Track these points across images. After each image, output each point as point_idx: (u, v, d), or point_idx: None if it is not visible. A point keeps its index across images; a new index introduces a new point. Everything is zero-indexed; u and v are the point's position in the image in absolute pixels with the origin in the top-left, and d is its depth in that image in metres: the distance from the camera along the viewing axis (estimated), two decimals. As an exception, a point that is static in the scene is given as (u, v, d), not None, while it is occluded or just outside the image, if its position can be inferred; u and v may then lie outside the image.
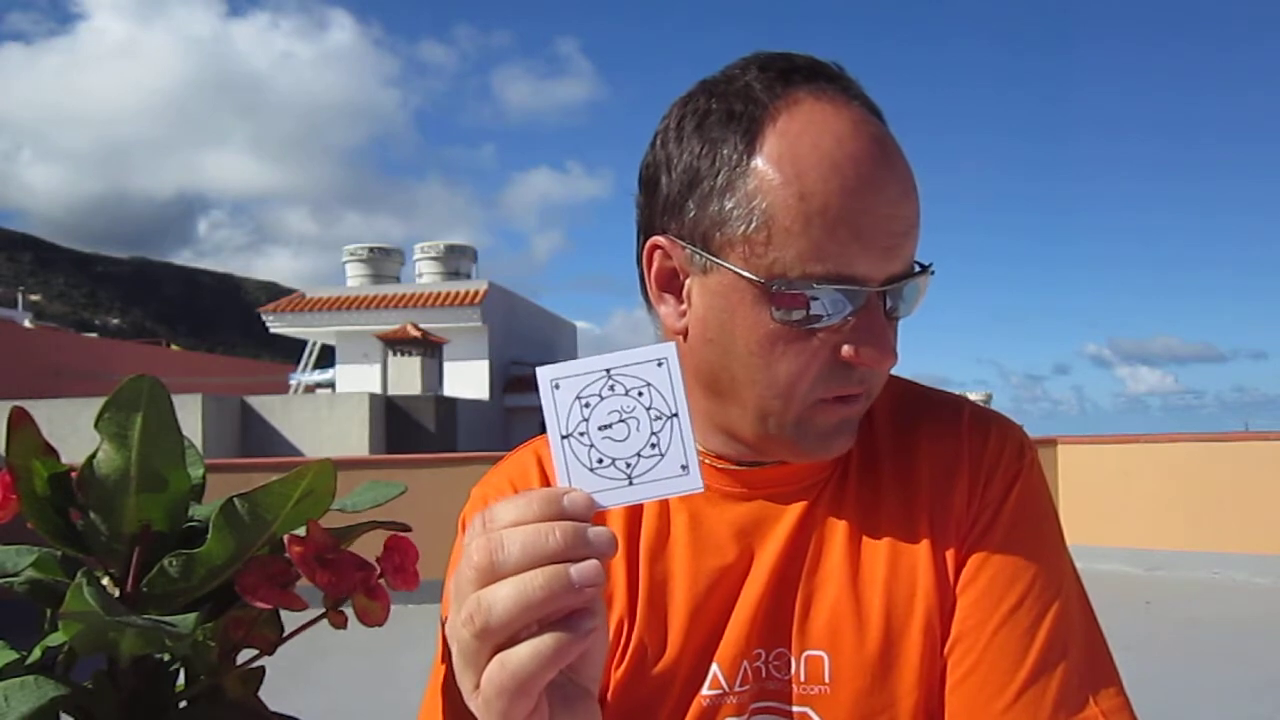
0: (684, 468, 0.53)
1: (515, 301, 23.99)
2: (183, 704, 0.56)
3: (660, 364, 0.54)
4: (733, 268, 0.71)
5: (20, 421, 0.54)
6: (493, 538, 0.50)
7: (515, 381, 21.76)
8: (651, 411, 0.53)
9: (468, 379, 21.06)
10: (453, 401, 17.87)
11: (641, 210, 0.79)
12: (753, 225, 0.70)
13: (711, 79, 0.76)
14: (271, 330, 23.15)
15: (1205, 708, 4.97)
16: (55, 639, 0.52)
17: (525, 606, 0.48)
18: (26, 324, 27.93)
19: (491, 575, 0.50)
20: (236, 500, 0.53)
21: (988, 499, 0.78)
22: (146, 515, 0.55)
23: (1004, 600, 0.74)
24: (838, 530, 0.79)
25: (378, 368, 19.42)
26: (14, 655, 0.53)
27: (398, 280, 25.06)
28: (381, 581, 0.56)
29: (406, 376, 17.91)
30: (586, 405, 0.54)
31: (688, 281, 0.75)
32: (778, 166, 0.69)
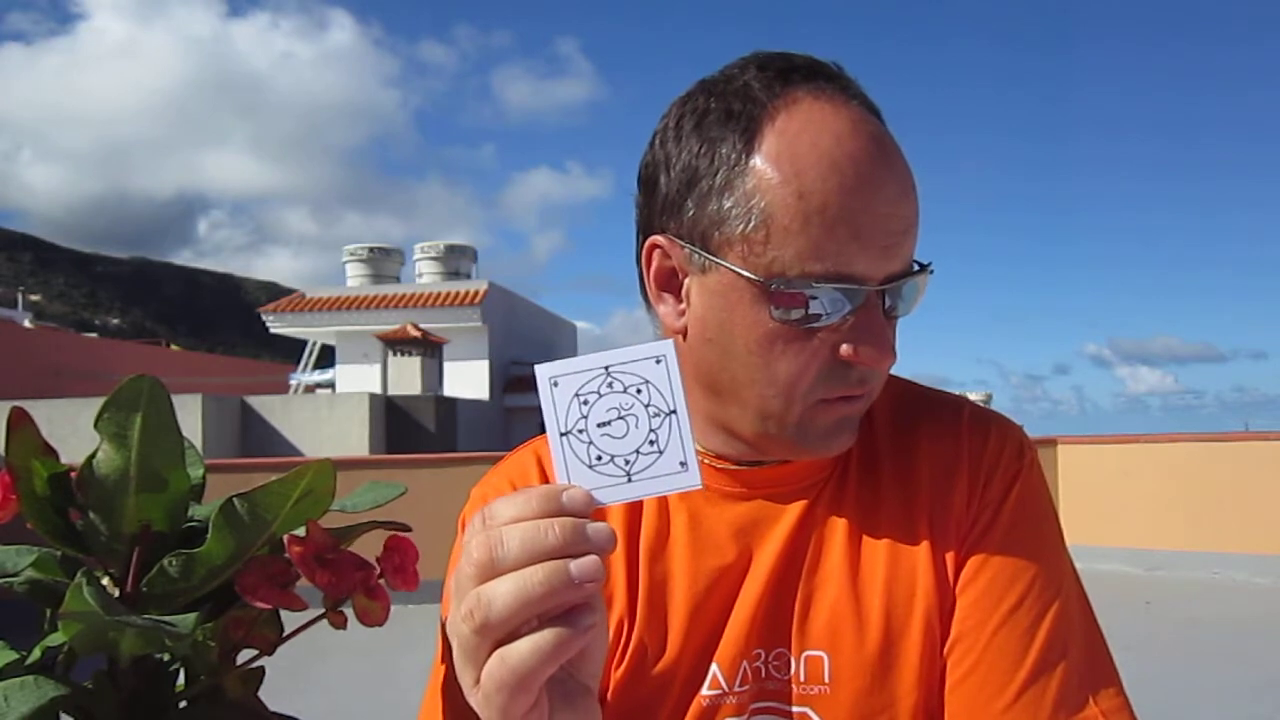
0: (683, 464, 0.53)
1: (515, 301, 24.00)
2: (183, 704, 0.56)
3: (659, 361, 0.54)
4: (732, 267, 0.71)
5: (20, 421, 0.54)
6: (492, 534, 0.50)
7: (515, 381, 21.77)
8: (650, 409, 0.53)
9: (468, 379, 21.07)
10: (453, 401, 17.87)
11: (640, 210, 0.79)
12: (751, 224, 0.70)
13: (710, 78, 0.76)
14: (271, 330, 23.15)
15: (1205, 708, 4.97)
16: (55, 639, 0.52)
17: (525, 602, 0.49)
18: (26, 324, 27.93)
19: (491, 571, 0.50)
20: (236, 500, 0.53)
21: (987, 499, 0.78)
22: (146, 515, 0.55)
23: (1004, 600, 0.74)
24: (837, 530, 0.79)
25: (378, 368, 19.42)
26: (14, 655, 0.53)
27: (398, 280, 25.06)
28: (381, 581, 0.56)
29: (406, 376, 17.92)
30: (585, 403, 0.54)
31: (687, 281, 0.75)
32: (776, 165, 0.69)
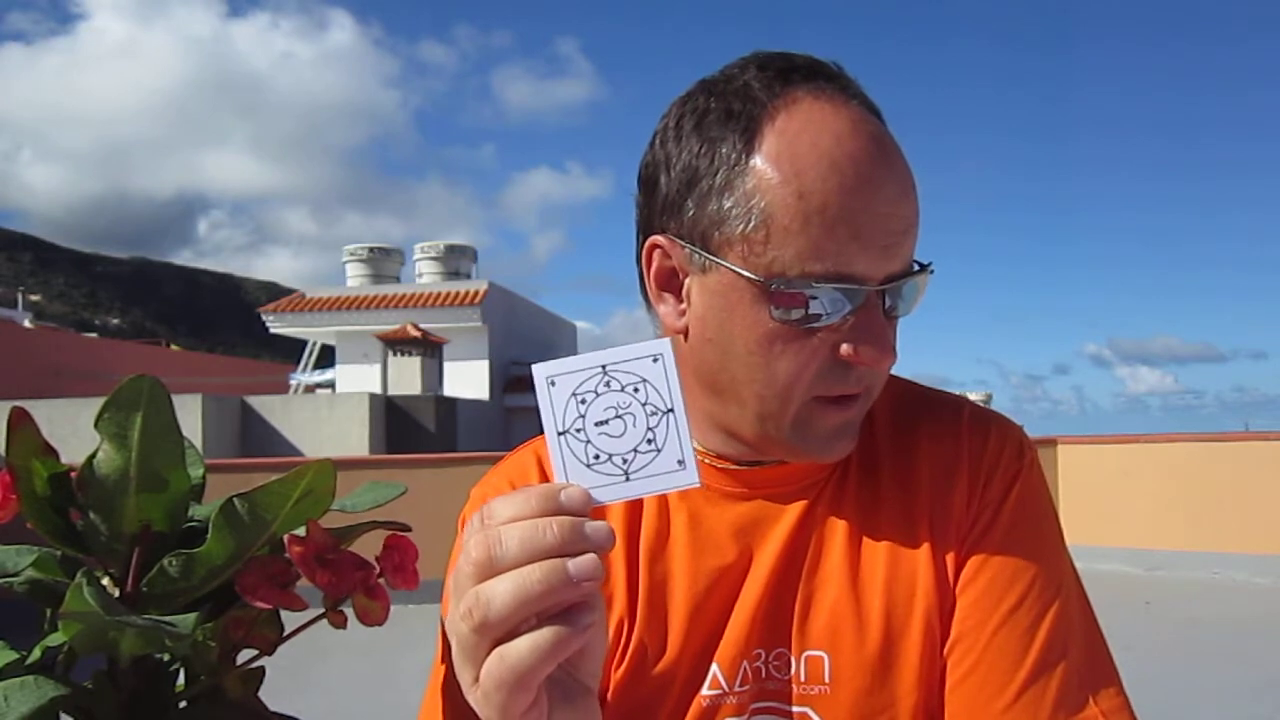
0: (680, 463, 0.53)
1: (515, 301, 23.99)
2: (183, 704, 0.56)
3: (656, 360, 0.54)
4: (732, 267, 0.71)
5: (20, 421, 0.54)
6: (491, 533, 0.51)
7: (515, 381, 21.76)
8: (648, 407, 0.53)
9: (468, 379, 21.06)
10: (453, 401, 17.87)
11: (641, 210, 0.79)
12: (751, 224, 0.70)
13: (710, 78, 0.76)
14: (271, 330, 23.14)
15: (1205, 708, 4.97)
16: (55, 639, 0.52)
17: (523, 601, 0.49)
18: (26, 324, 27.93)
19: (490, 570, 0.50)
20: (236, 500, 0.53)
21: (987, 499, 0.78)
22: (146, 515, 0.55)
23: (1004, 600, 0.74)
24: (837, 530, 0.79)
25: (378, 368, 19.42)
26: (14, 655, 0.53)
27: (398, 280, 25.05)
28: (381, 581, 0.56)
29: (406, 376, 17.91)
30: (583, 401, 0.54)
31: (687, 281, 0.75)
32: (776, 165, 0.69)
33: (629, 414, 0.53)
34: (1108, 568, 8.70)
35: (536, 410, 0.56)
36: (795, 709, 0.76)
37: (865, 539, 0.78)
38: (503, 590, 0.49)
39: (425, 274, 25.45)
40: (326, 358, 24.36)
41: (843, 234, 0.68)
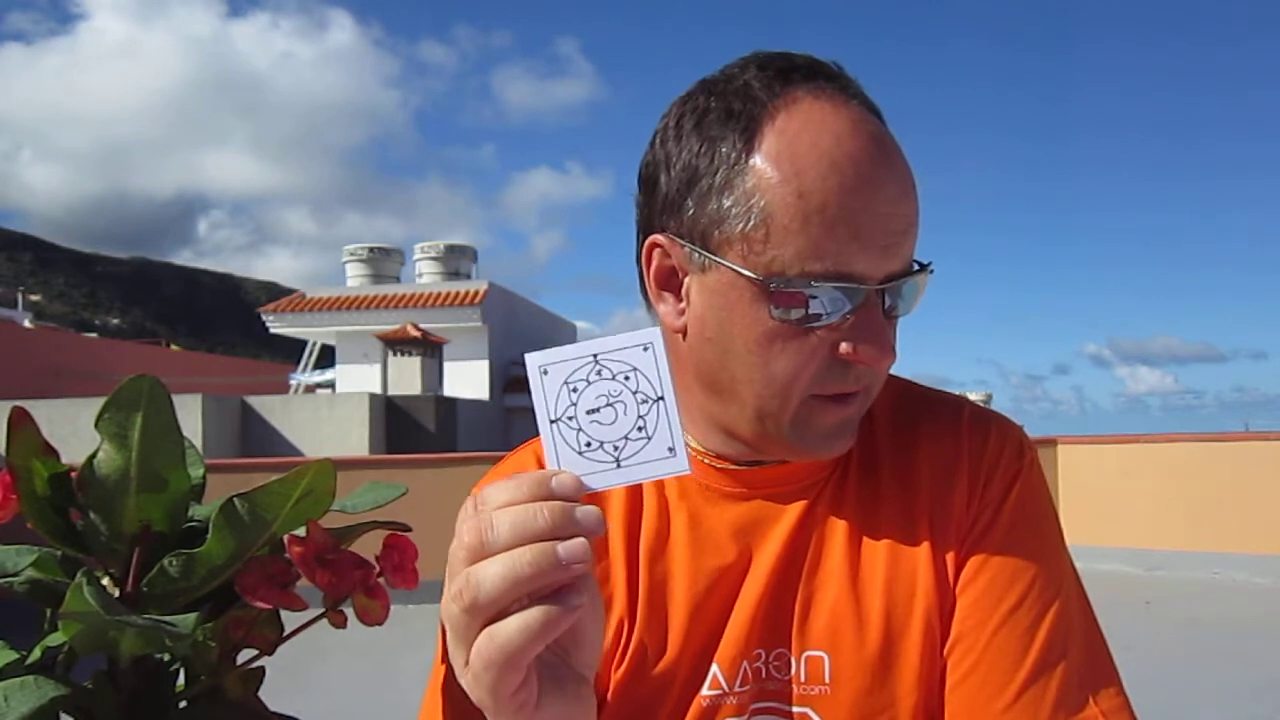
0: (671, 450, 0.54)
1: (515, 301, 23.99)
2: (183, 704, 0.56)
3: (646, 349, 0.54)
4: (731, 266, 0.71)
5: (20, 421, 0.54)
6: (483, 518, 0.51)
7: (515, 381, 21.75)
8: (638, 395, 0.54)
9: (468, 379, 21.06)
10: (453, 401, 17.87)
11: (641, 209, 0.79)
12: (751, 223, 0.70)
13: (710, 78, 0.76)
14: (271, 330, 23.14)
15: (1205, 708, 4.97)
16: (55, 639, 0.52)
17: (513, 581, 0.49)
18: (26, 324, 27.93)
19: (481, 553, 0.51)
20: (236, 500, 0.53)
21: (987, 499, 0.78)
22: (146, 515, 0.55)
23: (1004, 600, 0.74)
24: (837, 530, 0.79)
25: (378, 368, 19.41)
26: (14, 655, 0.53)
27: (398, 280, 25.04)
28: (381, 581, 0.56)
29: (406, 376, 17.91)
30: (574, 390, 0.55)
31: (686, 280, 0.75)
32: (776, 164, 0.69)
33: (620, 402, 0.54)
34: (1108, 568, 8.70)
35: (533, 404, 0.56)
36: (795, 709, 0.76)
37: (865, 539, 0.78)
38: (493, 572, 0.50)
39: (425, 274, 25.44)
40: (326, 358, 24.36)
41: (843, 233, 0.68)
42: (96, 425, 0.53)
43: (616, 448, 0.54)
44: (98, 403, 0.54)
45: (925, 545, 0.77)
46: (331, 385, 22.99)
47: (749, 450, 0.79)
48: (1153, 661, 5.54)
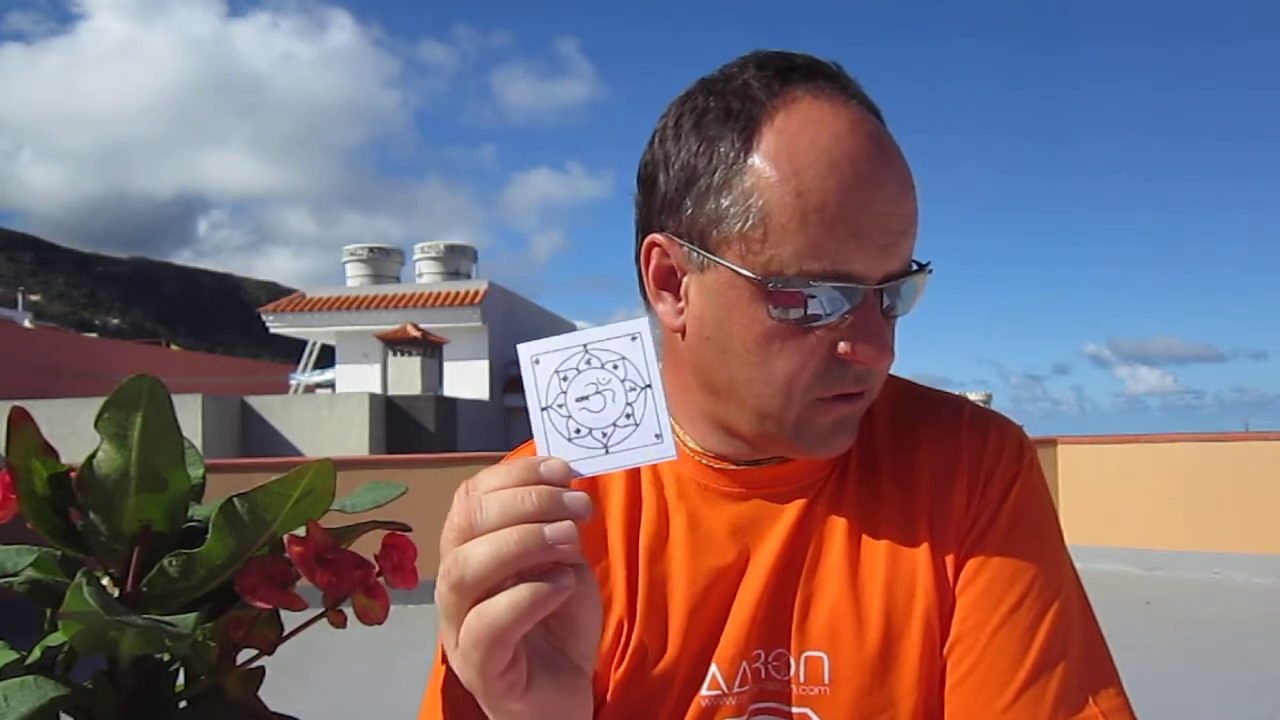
0: (658, 436, 0.55)
1: (515, 301, 23.99)
2: (183, 704, 0.56)
3: (634, 338, 0.56)
4: (730, 265, 0.71)
5: (20, 421, 0.54)
6: (473, 500, 0.52)
7: (515, 381, 21.73)
8: (626, 383, 0.55)
9: (468, 379, 21.06)
10: (453, 401, 17.87)
11: (640, 208, 0.79)
12: (749, 223, 0.69)
13: (710, 77, 0.76)
14: (271, 330, 23.13)
15: (1205, 708, 4.97)
16: (55, 639, 0.52)
17: (500, 560, 0.50)
18: (26, 324, 27.93)
19: (470, 534, 0.52)
20: (236, 500, 0.53)
21: (987, 499, 0.78)
22: (146, 515, 0.55)
23: (1003, 600, 0.74)
24: (837, 530, 0.79)
25: (378, 368, 19.41)
26: (14, 655, 0.53)
27: (398, 280, 25.04)
28: (380, 580, 0.56)
29: (406, 376, 17.90)
30: (564, 379, 0.56)
31: (685, 279, 0.75)
32: (775, 164, 0.69)
33: (608, 390, 0.55)
34: (1108, 568, 8.70)
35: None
36: (795, 709, 0.76)
37: (865, 539, 0.78)
38: (480, 551, 0.51)
39: (425, 274, 25.44)
40: (326, 358, 24.35)
41: (841, 233, 0.68)
42: (96, 425, 0.53)
43: (605, 434, 0.55)
44: (98, 403, 0.54)
45: (925, 545, 0.77)
46: (331, 385, 22.99)
47: (749, 449, 0.79)
48: (1153, 661, 5.54)
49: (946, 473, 0.79)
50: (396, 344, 18.27)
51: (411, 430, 16.34)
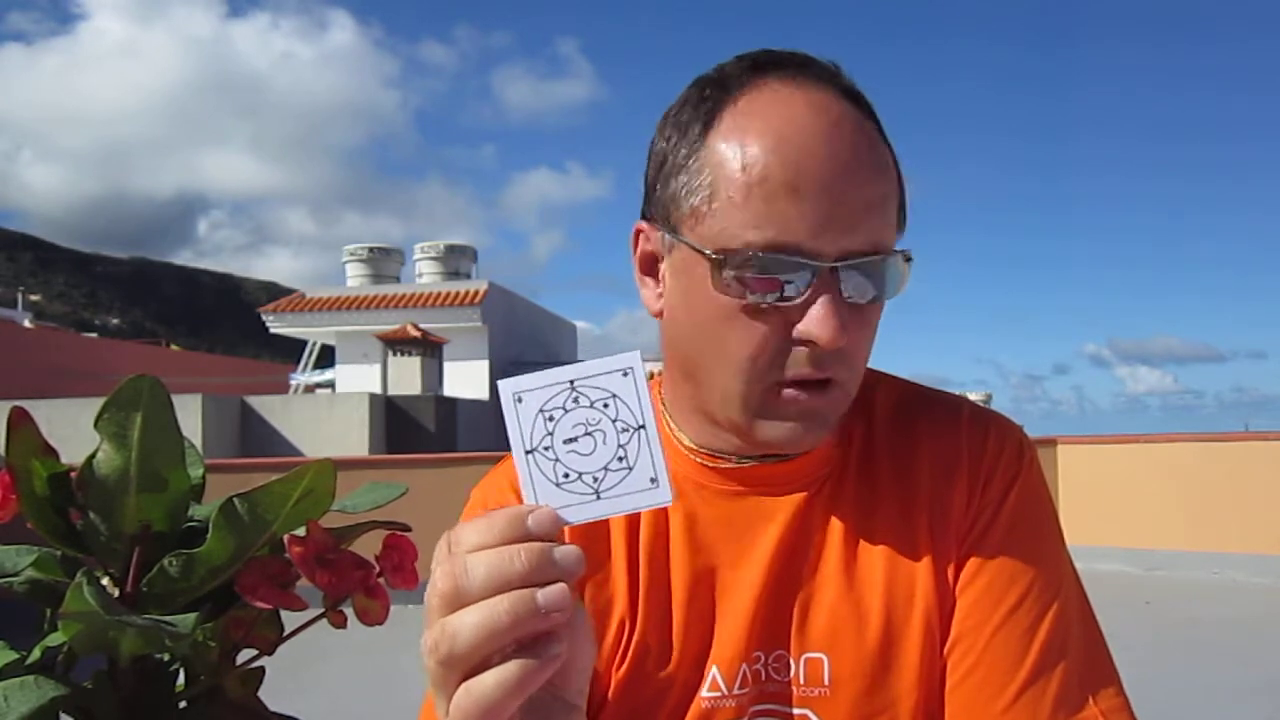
0: (653, 480, 0.52)
1: (515, 301, 23.97)
2: (183, 704, 0.56)
3: (625, 374, 0.52)
4: (688, 242, 0.72)
5: (20, 421, 0.54)
6: (457, 562, 0.49)
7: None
8: (618, 424, 0.52)
9: (468, 379, 21.05)
10: (453, 401, 17.86)
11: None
12: (700, 198, 0.71)
13: (702, 74, 0.78)
14: (271, 330, 23.12)
15: (1205, 708, 4.97)
16: (55, 639, 0.52)
17: (490, 634, 0.48)
18: (26, 324, 27.93)
19: (456, 602, 0.49)
20: (236, 500, 0.53)
21: (987, 499, 0.78)
22: (146, 515, 0.55)
23: (1003, 600, 0.74)
24: (835, 530, 0.78)
25: (378, 368, 19.40)
26: (14, 655, 0.53)
27: (398, 280, 25.02)
28: (381, 581, 0.56)
29: (406, 376, 17.90)
30: (550, 419, 0.52)
31: (662, 264, 0.77)
32: (726, 142, 0.71)
33: (599, 431, 0.52)
34: (1108, 568, 8.69)
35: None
36: (795, 711, 0.76)
37: (864, 539, 0.78)
38: (469, 623, 0.48)
39: (425, 274, 25.42)
40: (326, 358, 24.34)
41: (784, 204, 0.68)
42: (96, 425, 0.53)
43: (596, 479, 0.52)
44: (98, 403, 0.53)
45: (925, 545, 0.76)
46: (331, 385, 22.97)
47: (740, 444, 0.78)
48: (1153, 661, 5.54)
49: (946, 472, 0.79)
50: (396, 344, 18.26)
51: (411, 430, 16.33)
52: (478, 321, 21.10)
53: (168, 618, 0.48)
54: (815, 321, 0.69)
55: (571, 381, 0.52)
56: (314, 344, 24.73)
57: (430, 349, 18.28)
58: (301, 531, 0.55)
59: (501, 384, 0.53)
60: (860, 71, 0.76)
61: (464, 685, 0.49)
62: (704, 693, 0.76)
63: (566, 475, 0.52)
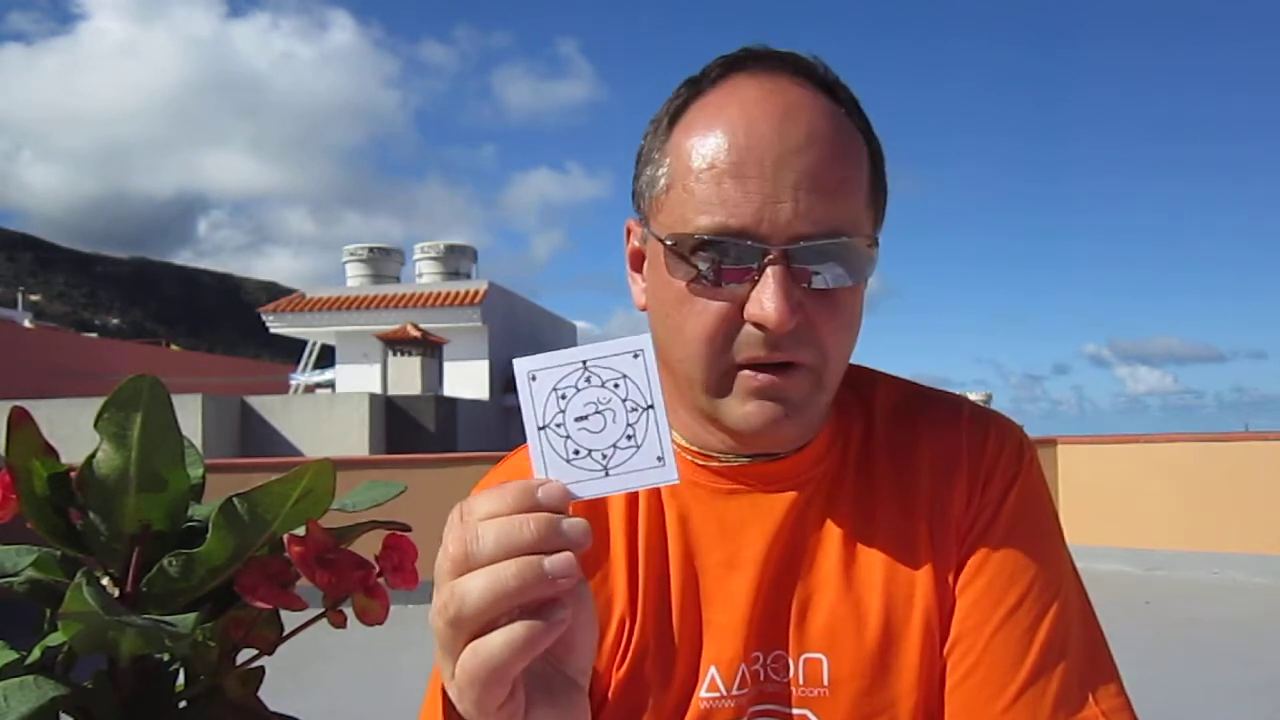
0: (660, 459, 0.53)
1: (515, 301, 23.98)
2: (183, 704, 0.56)
3: (636, 356, 0.54)
4: (652, 231, 0.75)
5: (20, 421, 0.53)
6: (468, 528, 0.51)
7: (515, 381, 21.66)
8: (628, 403, 0.54)
9: (468, 379, 21.05)
10: (453, 401, 17.86)
11: None
12: (659, 187, 0.74)
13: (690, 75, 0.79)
14: (271, 330, 23.13)
15: (1205, 708, 4.97)
16: (55, 639, 0.52)
17: (498, 596, 0.49)
18: (26, 324, 27.93)
19: (466, 566, 0.50)
20: (236, 500, 0.53)
21: (987, 499, 0.78)
22: (146, 515, 0.55)
23: (1004, 600, 0.74)
24: (833, 529, 0.78)
25: (378, 368, 19.41)
26: (14, 655, 0.53)
27: (398, 280, 25.03)
28: (380, 580, 0.56)
29: (406, 376, 17.90)
30: (563, 397, 0.54)
31: (646, 259, 0.79)
32: (686, 133, 0.73)
33: (609, 409, 0.54)
34: (1108, 568, 8.69)
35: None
36: (794, 711, 0.76)
37: (863, 539, 0.78)
38: (477, 585, 0.49)
39: (425, 274, 25.43)
40: (326, 358, 24.34)
41: (730, 188, 0.69)
42: (96, 425, 0.53)
43: (605, 456, 0.53)
44: (98, 403, 0.53)
45: (924, 545, 0.76)
46: (331, 385, 22.98)
47: (728, 439, 0.78)
48: (1153, 661, 5.54)
49: (946, 472, 0.79)
50: (396, 344, 18.26)
51: (411, 430, 16.34)
52: (478, 321, 21.10)
53: (168, 618, 0.48)
54: (761, 302, 0.69)
55: (584, 362, 0.54)
56: (314, 344, 24.73)
57: (430, 349, 18.28)
58: (301, 531, 0.55)
59: (517, 362, 0.55)
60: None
61: (471, 646, 0.50)
62: (703, 693, 0.76)
63: (577, 451, 0.54)
